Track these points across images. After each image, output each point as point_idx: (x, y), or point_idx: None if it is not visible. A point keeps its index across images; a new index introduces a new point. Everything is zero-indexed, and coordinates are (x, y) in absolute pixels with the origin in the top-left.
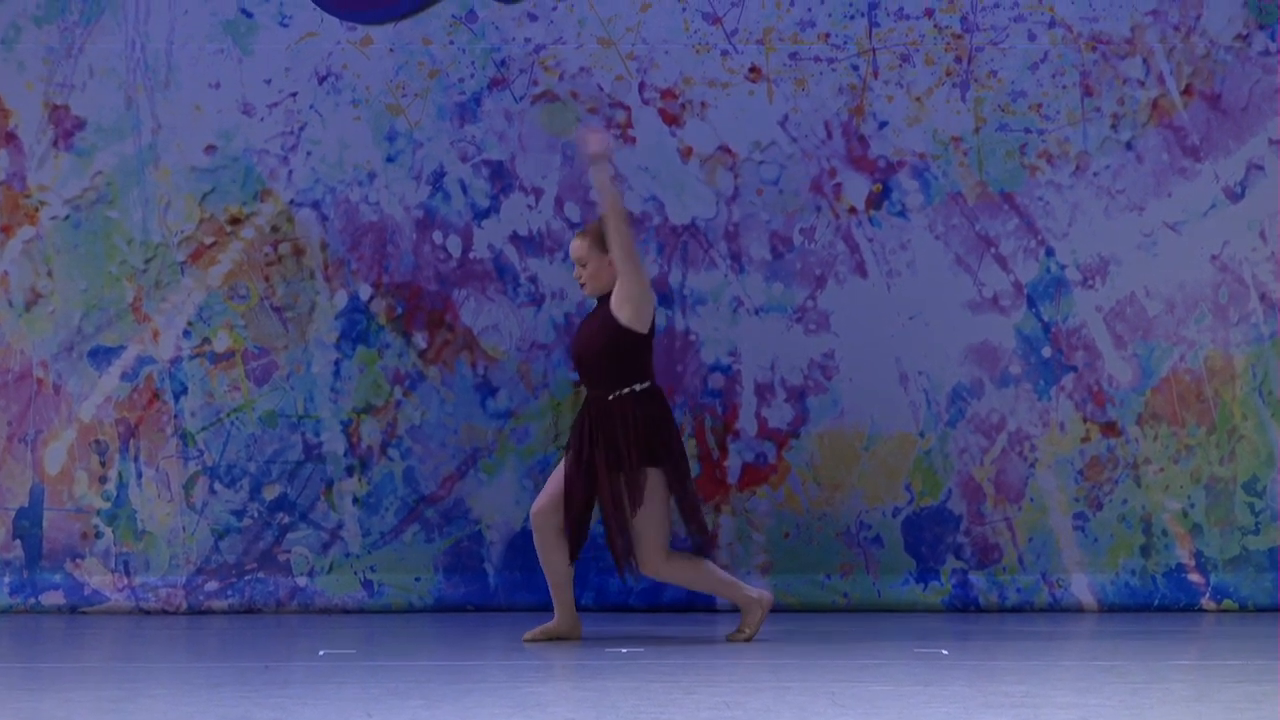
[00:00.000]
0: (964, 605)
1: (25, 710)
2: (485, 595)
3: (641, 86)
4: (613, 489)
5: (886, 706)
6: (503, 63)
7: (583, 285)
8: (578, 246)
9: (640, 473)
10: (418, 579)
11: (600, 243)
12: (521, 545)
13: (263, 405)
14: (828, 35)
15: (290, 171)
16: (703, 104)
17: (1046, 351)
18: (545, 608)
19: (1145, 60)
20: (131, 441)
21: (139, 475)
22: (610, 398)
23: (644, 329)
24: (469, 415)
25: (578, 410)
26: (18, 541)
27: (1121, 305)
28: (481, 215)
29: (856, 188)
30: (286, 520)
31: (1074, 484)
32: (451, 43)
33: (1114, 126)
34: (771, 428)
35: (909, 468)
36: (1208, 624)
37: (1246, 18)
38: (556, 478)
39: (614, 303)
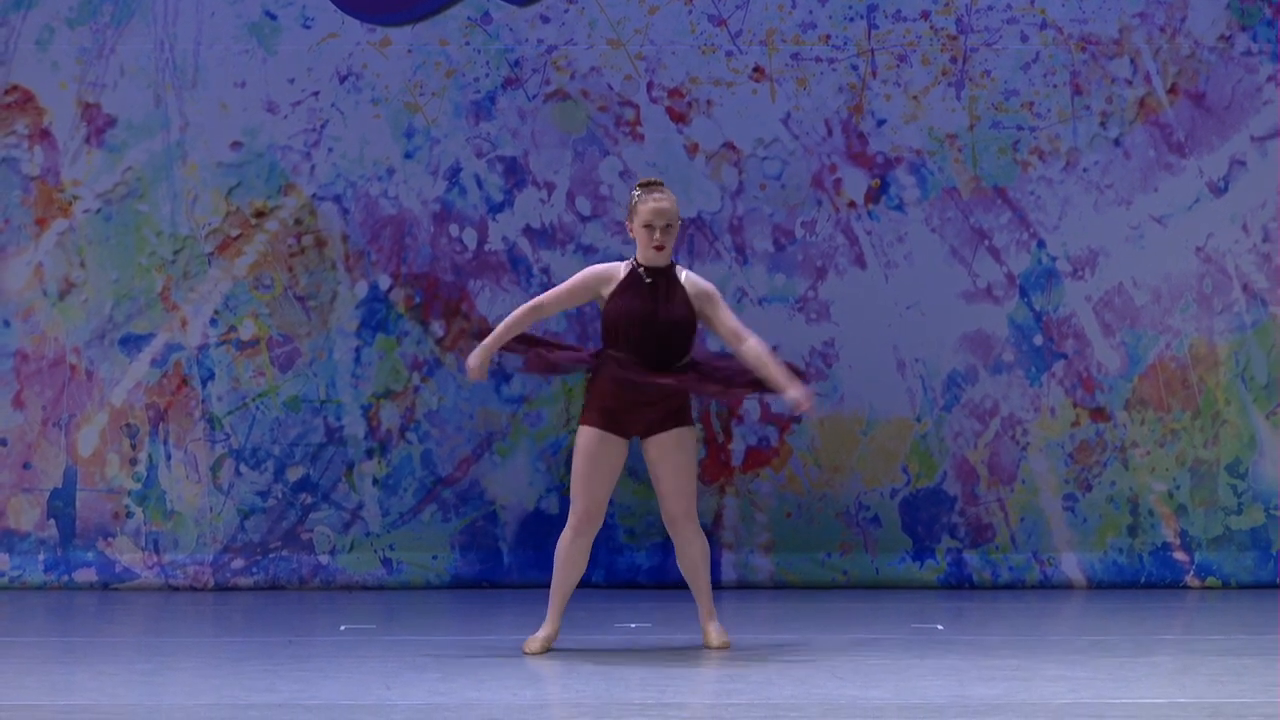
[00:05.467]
0: (958, 583)
1: (59, 682)
2: (499, 572)
3: (649, 86)
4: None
5: (884, 679)
6: (516, 63)
7: (661, 249)
8: (670, 206)
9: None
10: (435, 557)
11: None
12: (533, 524)
13: (286, 390)
14: (828, 37)
15: (313, 167)
16: (708, 102)
17: (1038, 340)
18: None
19: (1133, 60)
20: (161, 425)
21: (168, 457)
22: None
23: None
24: (484, 400)
25: (611, 391)
26: (52, 521)
27: (1110, 295)
28: (496, 209)
29: (856, 183)
30: (309, 501)
31: (1064, 466)
32: (467, 44)
33: (1103, 124)
34: (774, 413)
35: (906, 451)
36: (1192, 600)
37: (1229, 19)
38: (612, 471)
39: (707, 309)
